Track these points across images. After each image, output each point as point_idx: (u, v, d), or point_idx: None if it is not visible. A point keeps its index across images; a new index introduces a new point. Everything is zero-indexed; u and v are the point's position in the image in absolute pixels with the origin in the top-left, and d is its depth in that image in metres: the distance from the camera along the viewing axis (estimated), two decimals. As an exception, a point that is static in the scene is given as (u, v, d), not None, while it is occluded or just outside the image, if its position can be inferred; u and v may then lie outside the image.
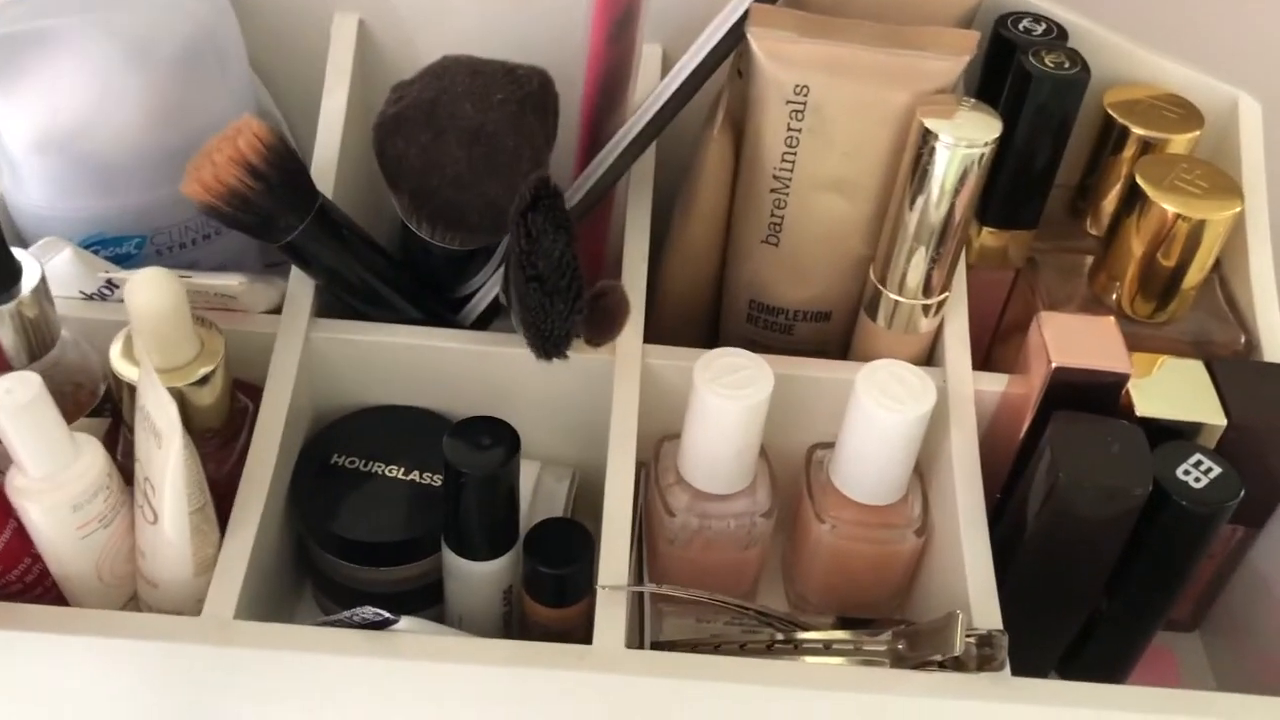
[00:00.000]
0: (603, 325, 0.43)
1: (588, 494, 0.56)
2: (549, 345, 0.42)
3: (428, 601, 0.51)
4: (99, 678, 0.44)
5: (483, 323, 0.54)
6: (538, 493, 0.54)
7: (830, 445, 0.52)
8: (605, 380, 0.51)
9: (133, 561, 0.46)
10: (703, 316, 0.57)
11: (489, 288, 0.54)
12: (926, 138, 0.47)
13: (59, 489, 0.42)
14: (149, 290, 0.45)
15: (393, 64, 0.58)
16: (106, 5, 0.51)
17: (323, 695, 0.44)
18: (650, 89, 0.57)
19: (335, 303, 0.53)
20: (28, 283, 0.45)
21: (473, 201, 0.46)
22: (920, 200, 0.48)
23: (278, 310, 0.52)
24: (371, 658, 0.42)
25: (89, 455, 0.42)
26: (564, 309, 0.41)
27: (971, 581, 0.47)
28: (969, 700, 0.43)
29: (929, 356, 0.54)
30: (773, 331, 0.56)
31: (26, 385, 0.40)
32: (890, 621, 0.52)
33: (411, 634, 0.43)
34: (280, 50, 0.59)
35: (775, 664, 0.44)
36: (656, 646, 0.50)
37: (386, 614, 0.43)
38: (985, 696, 0.43)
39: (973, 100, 0.48)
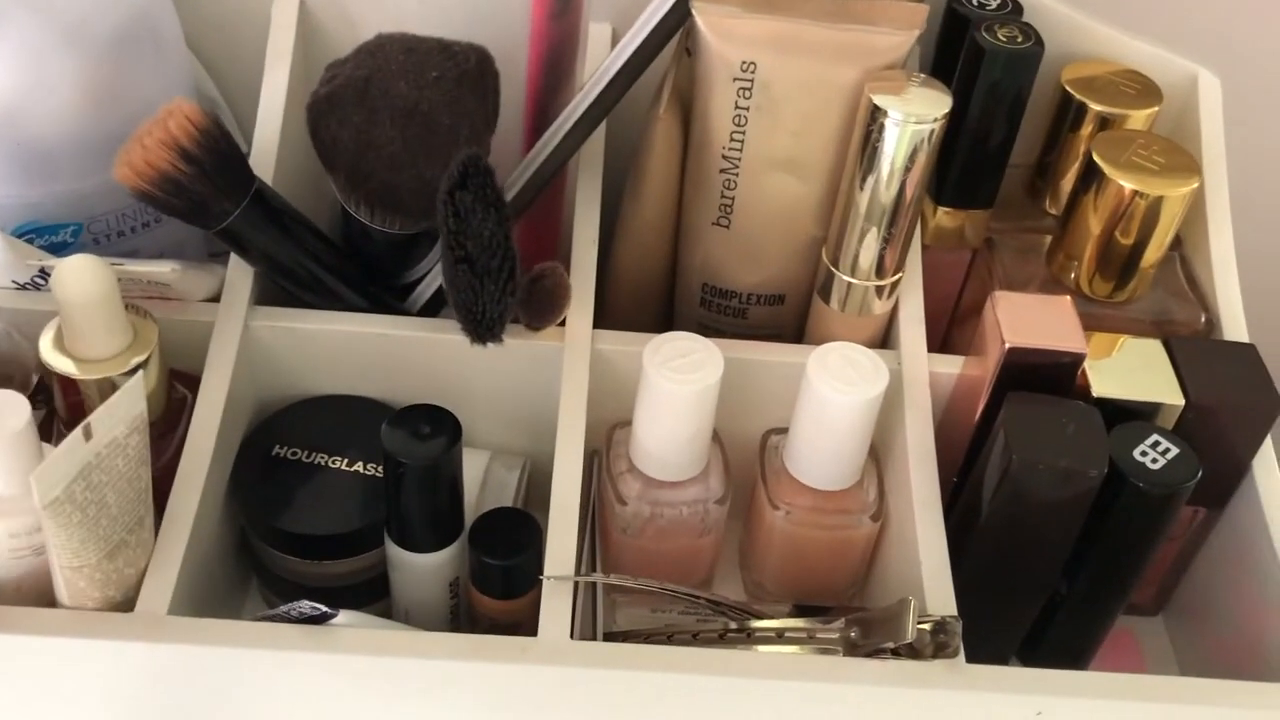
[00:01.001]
0: (542, 308, 0.42)
1: (539, 484, 0.55)
2: (482, 329, 0.41)
3: (375, 596, 0.50)
4: (38, 678, 0.43)
5: (430, 310, 0.53)
6: (487, 483, 0.53)
7: (784, 430, 0.51)
8: (554, 367, 0.50)
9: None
10: (655, 300, 0.56)
11: (435, 274, 0.52)
12: (875, 114, 0.46)
13: (4, 515, 0.41)
14: (77, 277, 0.43)
15: (334, 45, 0.57)
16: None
17: (261, 691, 0.43)
18: (601, 70, 0.56)
19: (277, 290, 0.52)
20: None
21: (408, 182, 0.45)
22: (871, 179, 0.47)
23: (217, 298, 0.51)
24: (309, 652, 0.41)
25: None
26: (495, 290, 0.39)
27: (926, 567, 0.46)
28: (923, 689, 0.42)
29: (884, 339, 0.53)
30: (726, 315, 0.55)
31: (16, 412, 0.39)
32: (846, 609, 0.51)
33: (350, 628, 0.42)
34: (221, 32, 0.58)
35: (724, 654, 0.43)
36: (609, 637, 0.49)
37: (324, 608, 0.42)
38: (939, 684, 0.42)
39: (922, 76, 0.47)
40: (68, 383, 0.46)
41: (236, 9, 0.57)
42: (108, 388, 0.46)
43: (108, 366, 0.45)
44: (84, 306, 0.44)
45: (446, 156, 0.45)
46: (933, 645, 0.43)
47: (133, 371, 0.45)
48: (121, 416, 0.40)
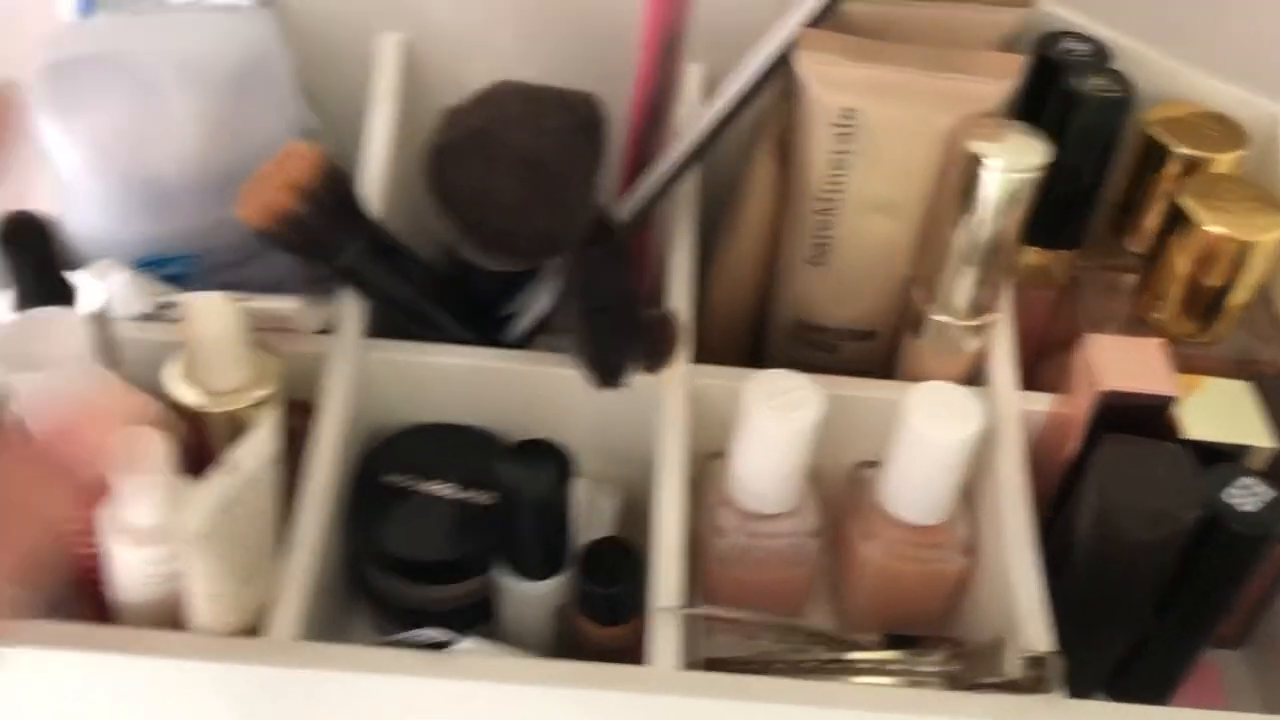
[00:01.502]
0: (658, 352, 0.44)
1: (629, 511, 0.56)
2: (609, 375, 0.42)
3: (477, 620, 0.52)
4: (171, 700, 0.44)
5: (525, 341, 0.55)
6: (584, 509, 0.54)
7: (873, 464, 0.53)
8: (649, 399, 0.52)
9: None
10: (745, 335, 0.58)
11: (531, 308, 0.54)
12: (974, 163, 0.47)
13: (145, 544, 0.42)
14: (209, 314, 0.45)
15: (437, 83, 0.59)
16: (160, 31, 0.52)
17: (386, 716, 0.45)
18: (691, 109, 0.57)
19: (383, 321, 0.53)
20: (90, 306, 0.45)
21: (523, 228, 0.47)
22: (968, 223, 0.49)
23: (328, 330, 0.53)
24: (437, 679, 0.43)
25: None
26: (623, 341, 0.41)
27: (1022, 603, 0.47)
28: (1023, 722, 0.43)
29: (973, 376, 0.54)
30: (817, 350, 0.56)
31: (157, 448, 0.41)
32: (938, 640, 0.52)
33: (473, 655, 0.44)
34: (325, 72, 0.60)
35: (835, 686, 0.45)
36: (709, 665, 0.50)
37: (447, 634, 0.43)
38: (1041, 719, 0.43)
39: (1020, 124, 0.49)
40: (191, 415, 0.48)
41: (341, 49, 0.59)
42: (232, 420, 0.47)
43: (233, 400, 0.47)
44: (211, 340, 0.46)
45: (560, 203, 0.46)
46: (1030, 680, 0.45)
47: (257, 404, 0.47)
48: (261, 452, 0.42)
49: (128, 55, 0.52)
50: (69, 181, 0.52)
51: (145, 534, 0.43)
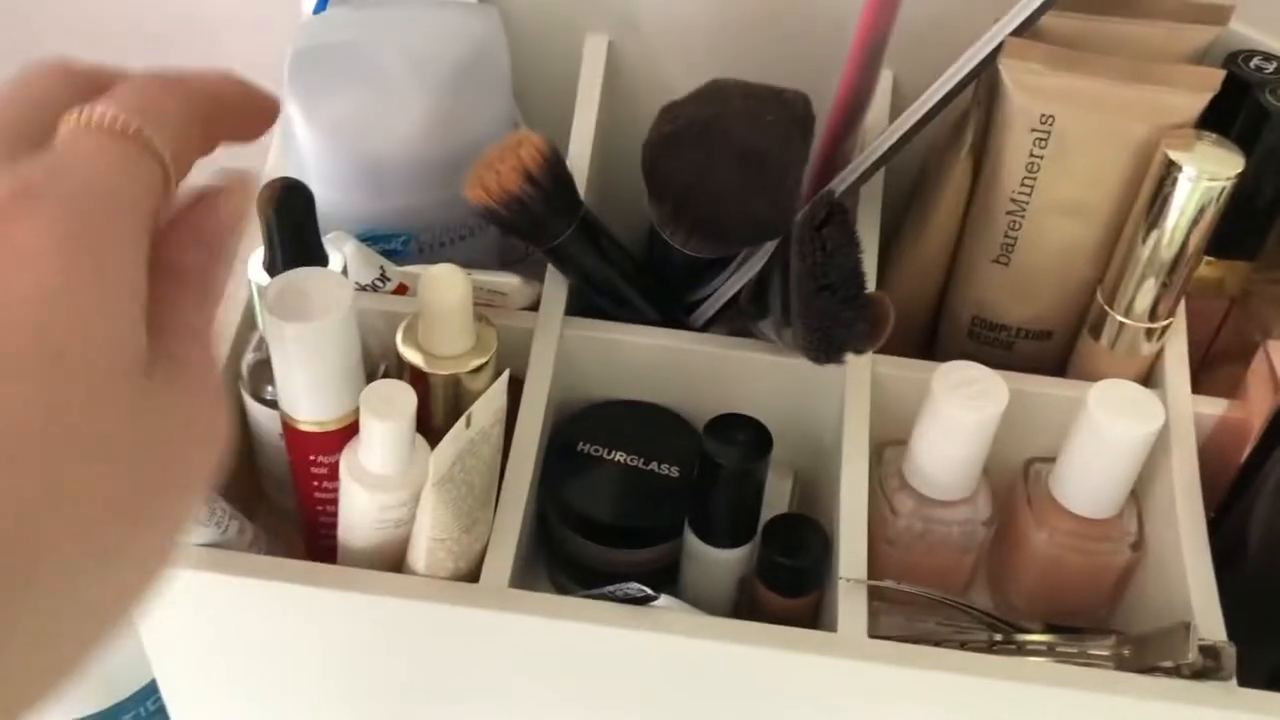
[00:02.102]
0: (869, 334, 0.47)
1: (802, 496, 0.59)
2: (832, 351, 0.45)
3: (660, 585, 0.55)
4: (390, 638, 0.48)
5: (711, 326, 0.58)
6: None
7: (1047, 459, 0.55)
8: (828, 386, 0.55)
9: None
10: (921, 329, 0.60)
11: (719, 293, 0.57)
12: (1170, 169, 0.49)
13: (381, 489, 0.46)
14: (444, 283, 0.49)
15: (638, 83, 0.62)
16: (396, 24, 0.56)
17: (587, 663, 0.48)
18: (880, 112, 0.60)
19: (582, 301, 0.57)
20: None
21: (735, 216, 0.50)
22: (1157, 229, 0.51)
23: (532, 307, 0.56)
24: (640, 631, 0.46)
25: (418, 469, 0.45)
26: (851, 316, 0.44)
27: (1194, 596, 0.49)
28: (1202, 707, 0.45)
29: (1147, 379, 0.56)
30: (993, 348, 0.58)
31: (407, 402, 0.45)
32: (1102, 630, 0.54)
33: (673, 611, 0.47)
34: (531, 69, 0.63)
35: (1012, 661, 0.47)
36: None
37: (649, 590, 0.46)
38: (1217, 704, 0.45)
39: (1214, 135, 0.50)
40: (417, 375, 0.51)
41: (548, 49, 0.63)
42: (452, 383, 0.51)
43: (455, 364, 0.51)
44: (444, 308, 0.50)
45: (773, 193, 0.49)
46: (1205, 668, 0.46)
47: (476, 370, 0.51)
48: (492, 409, 0.46)
49: (362, 46, 0.56)
50: (304, 159, 0.57)
51: (384, 480, 0.46)
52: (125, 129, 0.27)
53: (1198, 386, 0.61)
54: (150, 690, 0.65)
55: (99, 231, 0.26)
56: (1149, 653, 0.48)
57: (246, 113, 0.31)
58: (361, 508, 0.47)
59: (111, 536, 0.25)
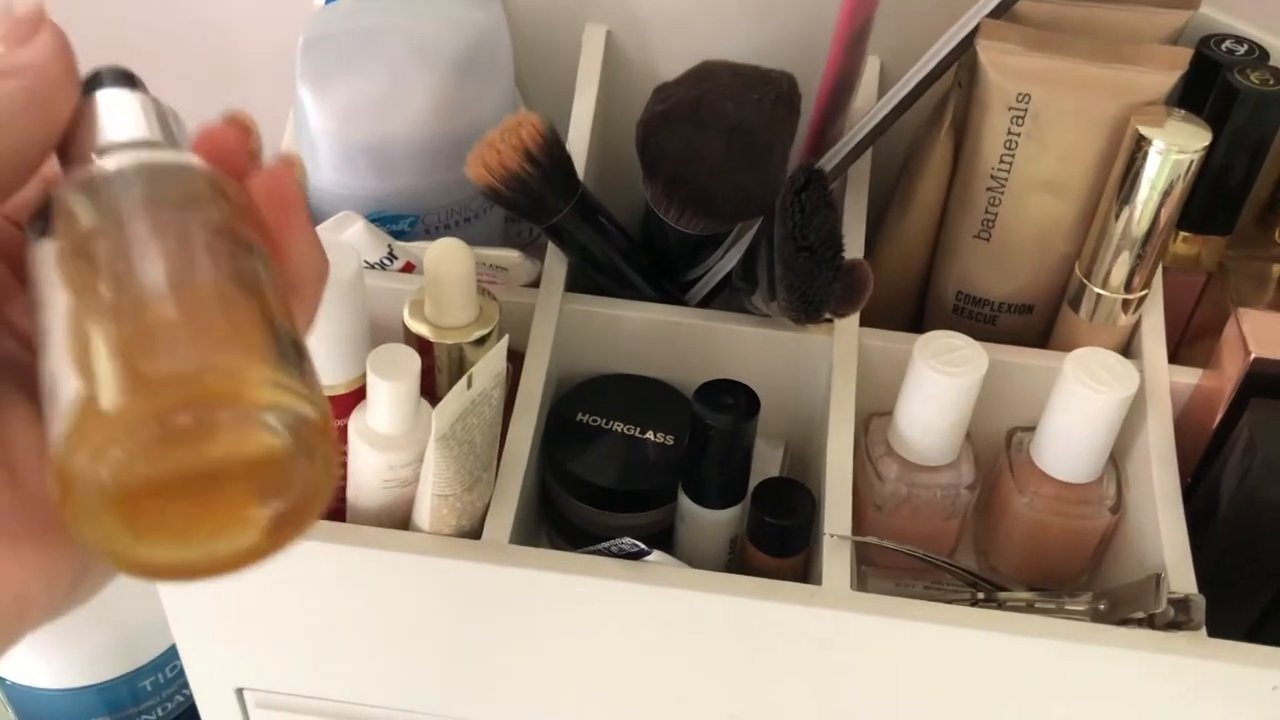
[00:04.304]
0: (850, 297, 0.49)
1: (791, 463, 0.61)
2: (811, 310, 0.47)
3: (656, 547, 0.57)
4: (395, 592, 0.51)
5: (706, 303, 0.60)
6: (755, 456, 0.59)
7: (1029, 429, 0.57)
8: (817, 358, 0.57)
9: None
10: (909, 304, 0.63)
11: (714, 271, 0.60)
12: (1140, 143, 0.51)
13: (388, 449, 0.49)
14: (447, 255, 0.52)
15: (635, 70, 0.65)
16: (405, 12, 0.59)
17: (583, 615, 0.50)
18: (868, 97, 0.62)
19: (582, 278, 0.59)
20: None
21: (724, 190, 0.52)
22: (1130, 203, 0.53)
23: (534, 284, 0.59)
24: (630, 583, 0.48)
25: (422, 430, 0.48)
26: (830, 276, 0.46)
27: (1168, 553, 0.51)
28: (1168, 655, 0.47)
29: (1126, 349, 0.58)
30: (977, 322, 0.60)
31: (413, 366, 0.47)
32: (1082, 588, 0.56)
33: (663, 565, 0.49)
34: (532, 58, 0.66)
35: (992, 613, 0.49)
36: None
37: (642, 545, 0.49)
38: (1185, 653, 0.47)
39: (1183, 111, 0.53)
40: (423, 345, 0.54)
41: (549, 37, 0.65)
42: (456, 352, 0.54)
43: (459, 334, 0.53)
44: (448, 280, 0.52)
45: (761, 168, 0.52)
46: (1175, 619, 0.48)
47: (479, 341, 0.54)
48: (492, 372, 0.48)
49: (370, 34, 0.59)
50: (316, 142, 0.59)
51: (391, 440, 0.49)
52: None
53: (1179, 359, 0.63)
54: (170, 655, 0.68)
55: None
56: (1123, 605, 0.50)
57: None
58: (370, 468, 0.50)
59: None
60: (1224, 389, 0.54)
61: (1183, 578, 0.50)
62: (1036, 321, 0.60)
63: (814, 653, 0.50)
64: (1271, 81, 0.55)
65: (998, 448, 0.58)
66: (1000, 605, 0.53)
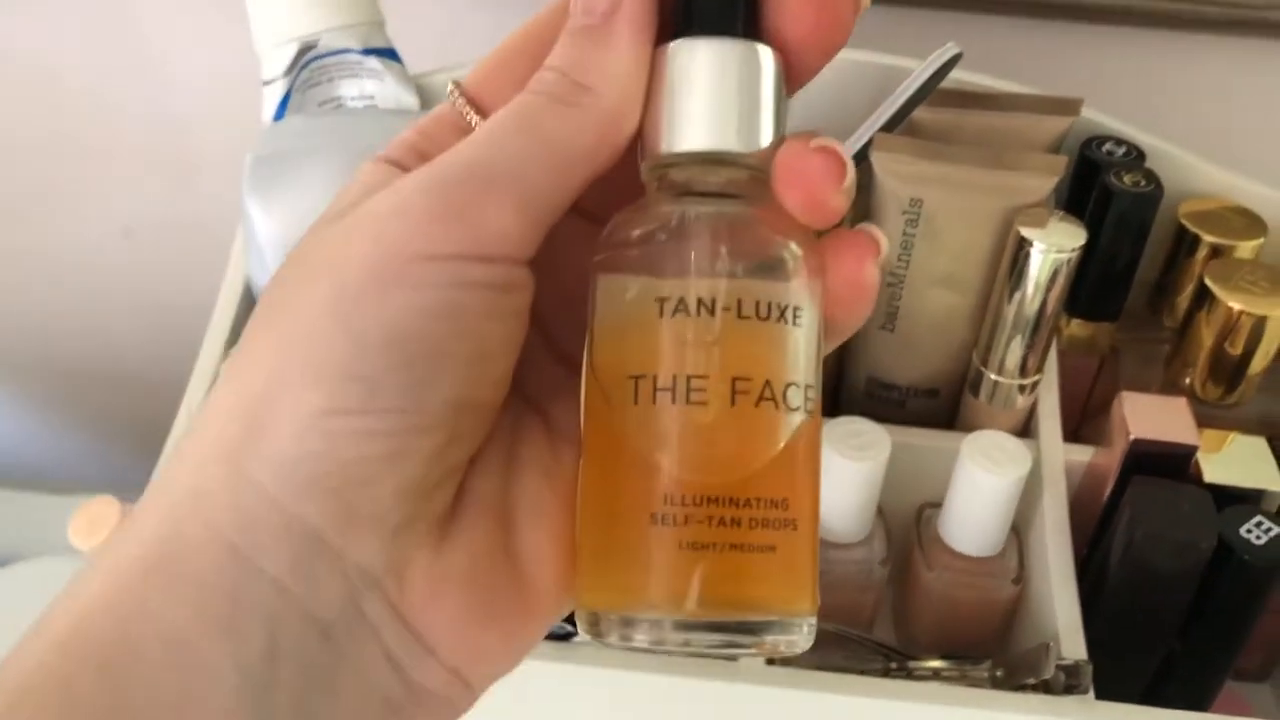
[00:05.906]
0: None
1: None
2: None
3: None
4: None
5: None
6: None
7: (938, 505, 0.61)
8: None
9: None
10: (825, 392, 0.67)
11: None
12: (1022, 244, 0.56)
13: None
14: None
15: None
16: (342, 130, 0.63)
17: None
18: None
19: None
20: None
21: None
22: (1017, 296, 0.57)
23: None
24: (556, 662, 0.52)
25: None
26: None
27: (1061, 621, 0.55)
28: (1059, 719, 0.51)
29: (1024, 429, 0.62)
30: (888, 405, 0.65)
31: None
32: (984, 656, 0.59)
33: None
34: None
35: (903, 683, 0.53)
36: (786, 672, 0.58)
37: (569, 627, 0.52)
38: (1074, 715, 0.51)
39: (1060, 212, 0.57)
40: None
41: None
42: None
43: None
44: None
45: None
46: (1065, 686, 0.52)
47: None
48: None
49: (322, 149, 0.63)
50: (264, 253, 0.63)
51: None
52: None
53: (1081, 437, 0.68)
54: None
55: None
56: (1018, 672, 0.53)
57: None
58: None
59: None
60: (1112, 466, 0.58)
61: (1074, 645, 0.54)
62: (943, 404, 0.64)
63: (734, 725, 0.53)
64: (1143, 183, 0.60)
65: (909, 523, 0.62)
66: (910, 674, 0.56)
